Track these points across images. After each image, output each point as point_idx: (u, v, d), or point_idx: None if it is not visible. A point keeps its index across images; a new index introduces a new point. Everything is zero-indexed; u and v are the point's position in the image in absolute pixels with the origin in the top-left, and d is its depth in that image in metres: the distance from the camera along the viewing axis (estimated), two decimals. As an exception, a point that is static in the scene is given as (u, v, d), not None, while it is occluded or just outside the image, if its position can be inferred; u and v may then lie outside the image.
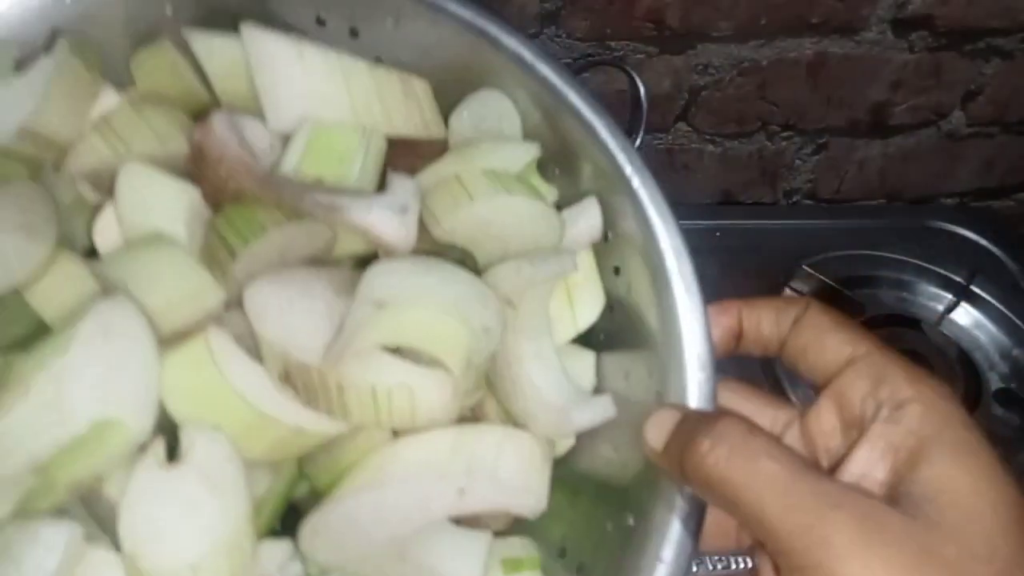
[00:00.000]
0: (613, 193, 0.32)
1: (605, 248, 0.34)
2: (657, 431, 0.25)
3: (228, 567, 0.27)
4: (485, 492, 0.29)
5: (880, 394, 0.24)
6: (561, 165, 0.35)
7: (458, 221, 0.33)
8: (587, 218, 0.33)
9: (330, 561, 0.29)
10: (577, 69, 0.67)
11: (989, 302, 0.75)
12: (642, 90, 0.55)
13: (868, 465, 0.23)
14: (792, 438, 0.26)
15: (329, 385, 0.29)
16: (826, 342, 0.25)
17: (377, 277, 0.30)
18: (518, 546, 0.31)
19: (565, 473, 0.31)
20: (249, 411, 0.29)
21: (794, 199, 0.89)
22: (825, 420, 0.25)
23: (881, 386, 0.24)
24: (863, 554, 0.20)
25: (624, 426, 0.31)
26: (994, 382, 0.72)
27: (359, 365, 0.29)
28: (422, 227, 0.34)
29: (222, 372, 0.29)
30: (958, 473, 0.22)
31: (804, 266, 0.75)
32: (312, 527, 0.29)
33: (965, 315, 0.76)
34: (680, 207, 0.96)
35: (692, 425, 0.24)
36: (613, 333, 0.34)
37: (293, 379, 0.29)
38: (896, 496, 0.22)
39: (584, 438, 0.32)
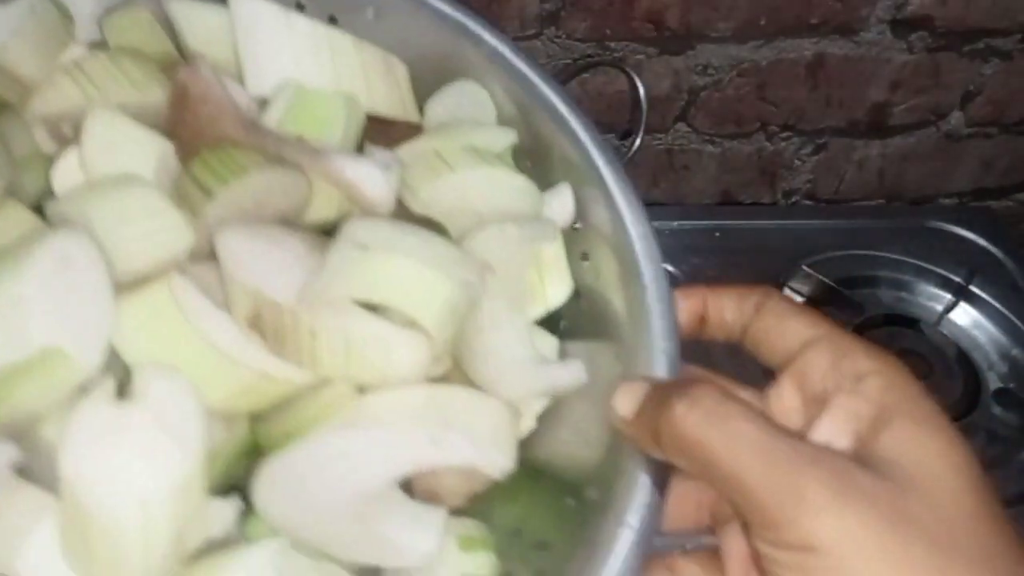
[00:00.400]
0: (584, 185, 0.33)
1: (574, 236, 0.34)
2: (628, 399, 0.26)
3: (178, 508, 0.26)
4: (458, 445, 0.28)
5: (841, 369, 0.24)
6: (533, 159, 0.36)
7: (436, 192, 0.33)
8: (560, 202, 0.34)
9: (284, 518, 0.28)
10: (577, 70, 0.67)
11: (988, 302, 0.76)
12: (641, 91, 0.55)
13: (832, 434, 0.24)
14: None
15: (301, 330, 0.28)
16: (786, 326, 0.26)
17: (360, 224, 0.30)
18: (472, 527, 0.31)
19: (523, 459, 0.31)
20: (211, 354, 0.28)
21: (793, 199, 0.89)
22: (787, 399, 0.26)
23: (841, 361, 0.24)
24: (837, 510, 0.21)
25: (587, 408, 0.31)
26: (993, 382, 0.72)
27: (334, 314, 0.28)
28: (397, 201, 0.33)
29: (184, 315, 0.28)
30: (920, 438, 0.22)
31: (803, 266, 0.75)
32: (271, 473, 0.27)
33: (964, 315, 0.76)
34: (679, 207, 0.97)
35: (666, 391, 0.24)
36: (578, 321, 0.34)
37: (262, 323, 0.28)
38: (861, 461, 0.23)
39: (544, 423, 0.32)
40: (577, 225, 0.34)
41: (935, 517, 0.21)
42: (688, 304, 0.29)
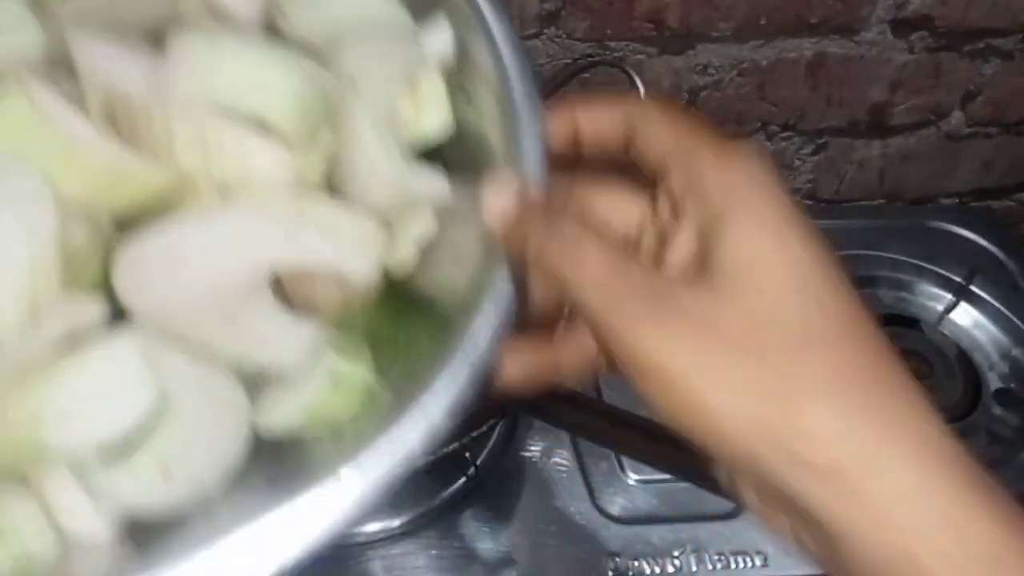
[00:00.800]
0: (467, 26, 0.33)
1: (456, 76, 0.35)
2: (496, 206, 0.27)
3: (30, 282, 0.27)
4: (318, 244, 0.29)
5: (692, 178, 0.25)
6: (418, 11, 0.36)
7: (308, 16, 0.33)
8: (437, 35, 0.34)
9: (148, 308, 0.28)
10: (577, 69, 0.67)
11: (988, 302, 0.76)
12: (642, 90, 0.55)
13: (684, 246, 0.25)
14: (648, 231, 0.29)
15: (156, 126, 0.28)
16: (656, 136, 0.27)
17: (213, 25, 0.30)
18: (347, 334, 0.32)
19: (403, 288, 0.32)
20: (66, 148, 0.28)
21: (794, 199, 0.89)
22: (663, 210, 0.27)
23: (693, 170, 0.25)
24: (654, 325, 0.23)
25: (465, 238, 0.31)
26: (993, 382, 0.72)
27: (189, 110, 0.29)
28: (271, 28, 0.33)
29: (38, 111, 0.29)
30: (752, 245, 0.23)
31: (804, 266, 0.75)
32: (129, 259, 0.27)
33: (965, 315, 0.76)
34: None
35: (529, 215, 0.27)
36: (460, 162, 0.34)
37: (118, 120, 0.29)
38: (702, 266, 0.24)
39: (424, 255, 0.32)
40: (459, 64, 0.34)
41: (748, 324, 0.23)
42: (558, 123, 0.29)
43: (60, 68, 0.31)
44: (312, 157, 0.31)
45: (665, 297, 0.23)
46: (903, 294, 0.78)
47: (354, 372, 0.30)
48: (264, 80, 0.29)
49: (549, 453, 0.67)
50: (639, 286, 0.24)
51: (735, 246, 0.24)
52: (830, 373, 0.22)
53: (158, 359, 0.27)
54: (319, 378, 0.29)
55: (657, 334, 0.23)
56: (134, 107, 0.29)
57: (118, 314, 0.28)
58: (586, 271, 0.24)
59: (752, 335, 0.22)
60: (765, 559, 0.61)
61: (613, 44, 0.72)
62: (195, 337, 0.28)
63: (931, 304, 0.77)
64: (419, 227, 0.32)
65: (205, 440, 0.28)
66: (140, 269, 0.28)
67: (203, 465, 0.28)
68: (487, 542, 0.63)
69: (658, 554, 0.62)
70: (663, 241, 0.27)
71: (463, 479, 0.64)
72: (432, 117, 0.34)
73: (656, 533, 0.63)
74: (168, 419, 0.27)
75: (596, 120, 0.29)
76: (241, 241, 0.28)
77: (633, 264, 0.25)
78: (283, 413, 0.29)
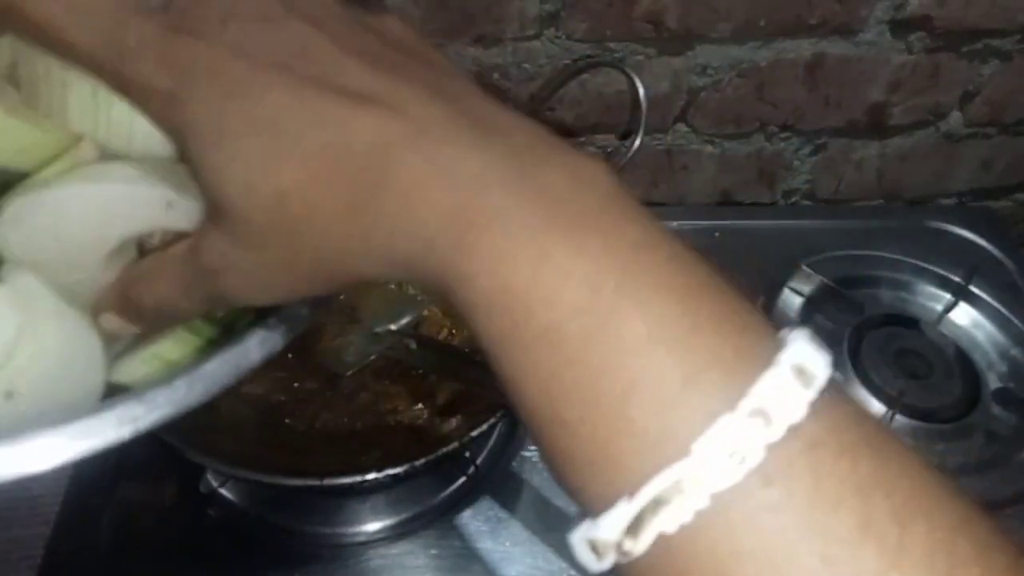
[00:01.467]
0: None
1: None
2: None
3: None
4: (189, 211, 0.30)
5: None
6: None
7: None
8: None
9: (28, 254, 0.29)
10: (577, 70, 0.67)
11: (987, 302, 0.76)
12: (641, 91, 0.55)
13: None
14: None
15: (54, 80, 0.29)
16: None
17: None
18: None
19: None
20: None
21: (793, 199, 0.89)
22: None
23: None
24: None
25: None
26: (992, 382, 0.72)
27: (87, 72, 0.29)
28: None
29: None
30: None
31: (803, 266, 0.76)
32: (16, 212, 0.29)
33: (963, 315, 0.76)
34: (679, 207, 0.96)
35: None
36: None
37: (17, 74, 0.30)
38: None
39: None
40: None
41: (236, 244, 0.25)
42: None
43: None
44: None
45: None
46: (902, 294, 0.78)
47: (197, 324, 0.33)
48: None
49: (549, 453, 0.67)
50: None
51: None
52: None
53: (28, 299, 0.29)
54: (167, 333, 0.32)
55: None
56: (35, 59, 0.29)
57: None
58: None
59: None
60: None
61: (613, 45, 0.72)
62: (65, 287, 0.30)
63: (930, 304, 0.77)
64: None
65: (57, 381, 0.30)
66: (26, 222, 0.29)
67: (51, 401, 0.30)
68: (487, 542, 0.63)
69: (658, 554, 0.62)
70: None
71: (463, 479, 0.64)
72: None
73: (656, 533, 0.63)
74: (23, 352, 0.29)
75: None
76: (125, 206, 0.30)
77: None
78: (133, 365, 0.32)
